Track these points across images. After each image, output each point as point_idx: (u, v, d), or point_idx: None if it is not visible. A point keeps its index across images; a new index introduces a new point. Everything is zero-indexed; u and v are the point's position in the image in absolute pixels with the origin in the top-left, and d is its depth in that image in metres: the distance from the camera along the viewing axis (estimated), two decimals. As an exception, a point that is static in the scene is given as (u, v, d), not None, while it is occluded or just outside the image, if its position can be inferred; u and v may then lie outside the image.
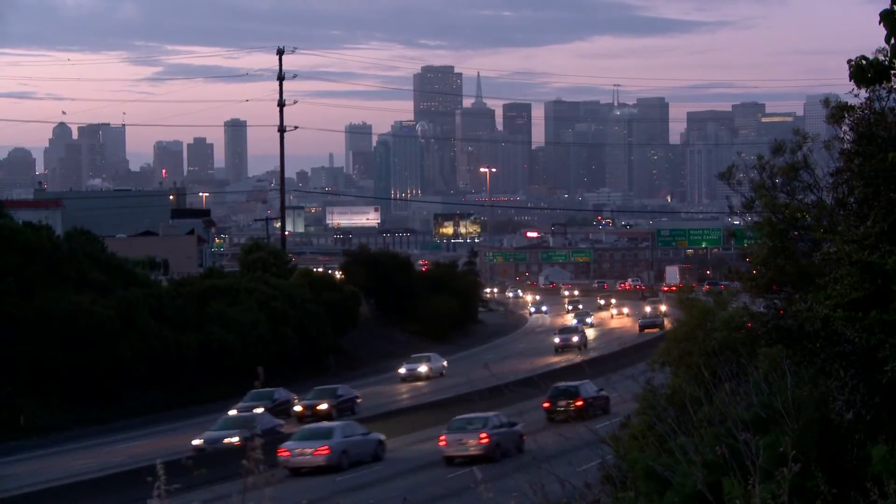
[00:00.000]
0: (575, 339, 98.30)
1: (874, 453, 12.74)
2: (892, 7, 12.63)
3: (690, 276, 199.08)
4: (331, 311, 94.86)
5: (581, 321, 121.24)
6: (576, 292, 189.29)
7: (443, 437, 49.36)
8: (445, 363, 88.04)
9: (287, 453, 47.98)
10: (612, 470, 18.34)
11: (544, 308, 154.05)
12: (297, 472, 47.69)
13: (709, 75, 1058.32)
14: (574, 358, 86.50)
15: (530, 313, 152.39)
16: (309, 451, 48.36)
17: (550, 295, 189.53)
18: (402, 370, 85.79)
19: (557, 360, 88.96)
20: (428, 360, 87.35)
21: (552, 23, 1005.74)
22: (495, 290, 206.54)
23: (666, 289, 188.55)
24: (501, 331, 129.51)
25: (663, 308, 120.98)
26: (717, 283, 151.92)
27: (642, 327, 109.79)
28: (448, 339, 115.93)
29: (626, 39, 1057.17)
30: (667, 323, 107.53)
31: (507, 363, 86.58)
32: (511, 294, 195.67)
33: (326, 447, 48.27)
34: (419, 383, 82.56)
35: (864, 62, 13.34)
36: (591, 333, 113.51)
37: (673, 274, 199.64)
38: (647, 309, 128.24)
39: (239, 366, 74.91)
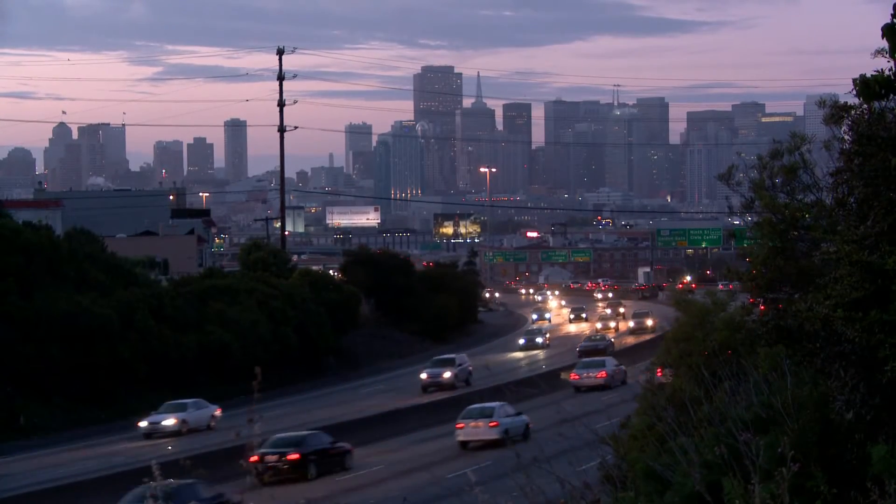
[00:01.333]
0: (447, 374, 75.78)
1: (874, 453, 12.73)
2: (893, 21, 12.63)
3: (661, 276, 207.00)
4: (331, 311, 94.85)
5: (530, 340, 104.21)
6: (609, 294, 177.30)
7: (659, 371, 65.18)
8: (217, 412, 64.57)
9: (577, 376, 69.26)
10: (612, 470, 18.33)
11: (547, 315, 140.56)
12: (579, 389, 67.18)
13: (709, 75, 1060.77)
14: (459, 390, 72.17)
15: (532, 320, 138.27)
16: (593, 374, 69.57)
17: (583, 297, 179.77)
18: (144, 423, 62.47)
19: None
20: (182, 408, 64.03)
21: (552, 23, 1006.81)
22: (531, 290, 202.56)
23: (636, 287, 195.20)
24: (501, 331, 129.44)
25: (650, 322, 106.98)
26: (690, 284, 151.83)
27: (581, 352, 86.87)
28: (448, 339, 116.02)
29: (626, 39, 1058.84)
30: (640, 337, 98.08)
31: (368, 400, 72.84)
32: (540, 298, 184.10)
33: (605, 372, 69.40)
34: (167, 440, 60.21)
35: (868, 79, 13.34)
36: (542, 354, 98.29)
37: (645, 274, 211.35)
38: (631, 323, 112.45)
39: (239, 366, 74.86)
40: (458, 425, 52.78)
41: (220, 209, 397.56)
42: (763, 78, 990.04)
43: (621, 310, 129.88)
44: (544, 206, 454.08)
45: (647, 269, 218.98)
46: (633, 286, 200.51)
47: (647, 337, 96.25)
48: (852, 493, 11.96)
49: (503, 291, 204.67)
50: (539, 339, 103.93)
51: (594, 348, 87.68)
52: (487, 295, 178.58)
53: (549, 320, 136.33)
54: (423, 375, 76.67)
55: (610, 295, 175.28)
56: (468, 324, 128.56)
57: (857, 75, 14.51)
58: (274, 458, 44.85)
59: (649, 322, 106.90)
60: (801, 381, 15.62)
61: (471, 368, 78.65)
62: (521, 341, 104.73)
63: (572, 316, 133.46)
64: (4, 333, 68.65)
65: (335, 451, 48.70)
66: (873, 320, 13.64)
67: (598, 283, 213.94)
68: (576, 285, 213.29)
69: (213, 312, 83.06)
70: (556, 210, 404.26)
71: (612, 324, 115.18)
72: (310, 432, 49.83)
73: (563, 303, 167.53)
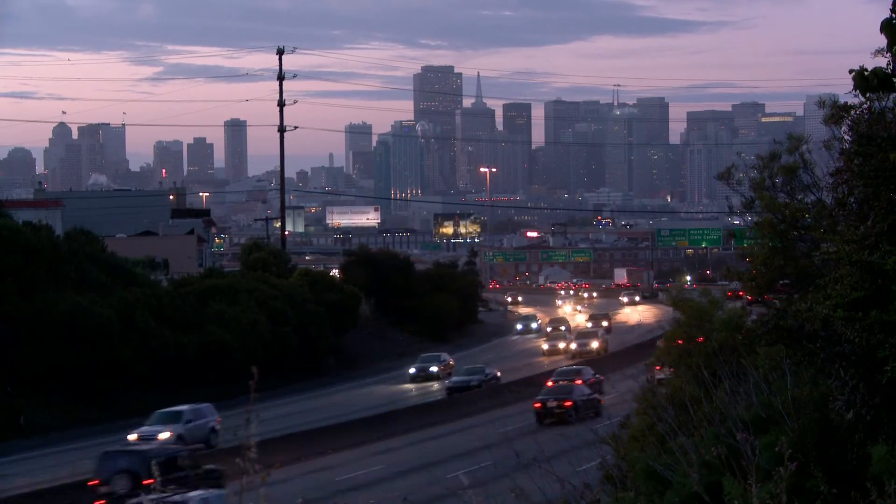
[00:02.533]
0: (164, 436, 54.85)
1: (874, 453, 12.71)
2: (891, 16, 12.64)
3: (637, 276, 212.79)
4: (331, 311, 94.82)
5: (421, 370, 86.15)
6: (636, 298, 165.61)
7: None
8: None
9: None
10: (612, 470, 18.33)
11: (534, 325, 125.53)
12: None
13: (709, 75, 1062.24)
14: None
15: (517, 330, 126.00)
16: None
17: (609, 298, 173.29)
18: None
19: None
20: None
21: (552, 23, 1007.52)
22: (571, 292, 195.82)
23: (614, 286, 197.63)
24: (500, 331, 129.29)
25: (595, 345, 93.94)
26: (665, 283, 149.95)
27: (451, 389, 74.27)
28: (448, 339, 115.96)
29: (626, 39, 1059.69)
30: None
31: None
32: (560, 302, 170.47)
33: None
34: None
35: (866, 72, 13.33)
36: (437, 385, 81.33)
37: (621, 274, 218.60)
38: (573, 345, 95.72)
39: (239, 366, 74.85)
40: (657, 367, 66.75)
41: (220, 209, 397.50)
42: (763, 78, 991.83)
43: (604, 323, 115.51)
44: (544, 206, 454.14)
45: (624, 270, 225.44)
46: (603, 286, 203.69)
47: (588, 358, 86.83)
48: (852, 493, 11.93)
49: (524, 293, 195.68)
50: (433, 369, 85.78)
51: (465, 385, 74.17)
52: (509, 299, 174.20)
53: (538, 330, 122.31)
54: (133, 436, 55.65)
55: (637, 298, 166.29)
56: (468, 324, 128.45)
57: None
58: (564, 382, 64.84)
59: (594, 345, 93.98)
60: (801, 381, 15.61)
61: (215, 425, 57.36)
62: (412, 371, 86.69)
63: (549, 328, 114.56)
64: (4, 333, 68.64)
65: (596, 379, 66.82)
66: (873, 320, 13.62)
67: (574, 284, 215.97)
68: (607, 286, 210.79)
69: (213, 312, 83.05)
70: (556, 210, 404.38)
71: (562, 344, 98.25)
72: (583, 366, 70.80)
73: (580, 308, 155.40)
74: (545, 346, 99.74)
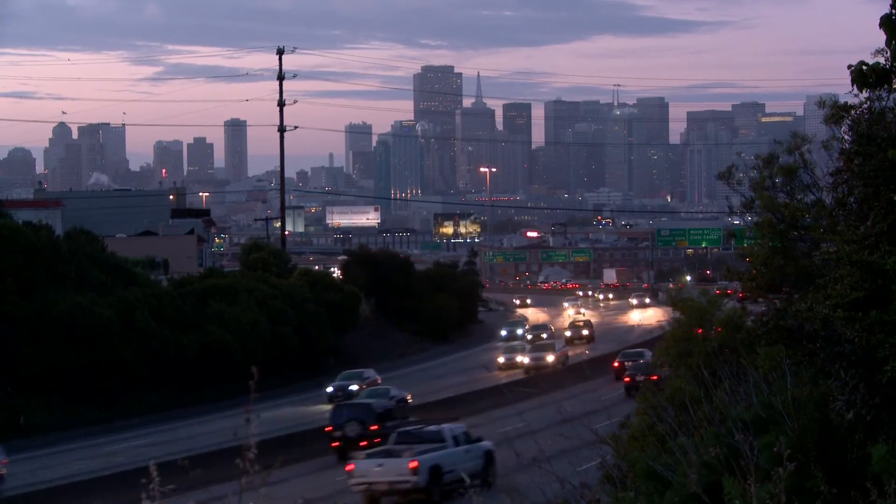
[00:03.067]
0: None
1: (874, 453, 12.72)
2: (891, 12, 12.65)
3: (625, 276, 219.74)
4: (331, 311, 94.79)
5: (339, 388, 75.97)
6: (647, 300, 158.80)
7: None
8: None
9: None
10: (612, 470, 18.33)
11: (520, 331, 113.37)
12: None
13: (709, 75, 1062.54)
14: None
15: (502, 336, 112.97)
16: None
17: (626, 299, 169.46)
18: None
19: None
20: None
21: (552, 23, 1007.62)
22: (589, 293, 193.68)
23: (603, 286, 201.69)
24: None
25: (550, 359, 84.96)
26: (655, 284, 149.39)
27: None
28: (448, 339, 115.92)
29: (626, 39, 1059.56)
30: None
31: None
32: (568, 304, 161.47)
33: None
34: None
35: (864, 67, 13.33)
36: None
37: (609, 274, 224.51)
38: (526, 359, 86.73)
39: (239, 366, 74.76)
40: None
41: (220, 209, 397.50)
42: (763, 78, 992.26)
43: (585, 332, 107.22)
44: (544, 206, 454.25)
45: (613, 270, 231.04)
46: (590, 285, 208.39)
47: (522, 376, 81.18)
48: (852, 493, 11.94)
49: (532, 294, 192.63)
50: (353, 388, 75.75)
51: (384, 411, 61.76)
52: (517, 301, 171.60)
53: (524, 337, 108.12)
54: None
55: (647, 300, 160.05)
56: (468, 324, 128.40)
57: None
58: (630, 363, 71.97)
59: (550, 358, 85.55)
60: (801, 381, 15.61)
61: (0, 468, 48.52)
62: (329, 389, 76.63)
63: (529, 336, 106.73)
64: (4, 333, 68.64)
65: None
66: (873, 320, 13.62)
67: (550, 284, 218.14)
68: (595, 286, 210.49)
69: (213, 312, 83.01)
70: (556, 210, 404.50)
71: (519, 357, 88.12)
72: (643, 349, 75.86)
73: (584, 311, 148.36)
74: (501, 360, 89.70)
